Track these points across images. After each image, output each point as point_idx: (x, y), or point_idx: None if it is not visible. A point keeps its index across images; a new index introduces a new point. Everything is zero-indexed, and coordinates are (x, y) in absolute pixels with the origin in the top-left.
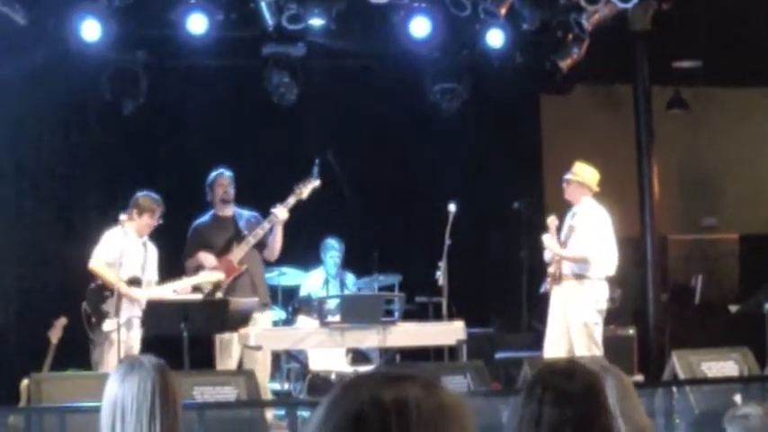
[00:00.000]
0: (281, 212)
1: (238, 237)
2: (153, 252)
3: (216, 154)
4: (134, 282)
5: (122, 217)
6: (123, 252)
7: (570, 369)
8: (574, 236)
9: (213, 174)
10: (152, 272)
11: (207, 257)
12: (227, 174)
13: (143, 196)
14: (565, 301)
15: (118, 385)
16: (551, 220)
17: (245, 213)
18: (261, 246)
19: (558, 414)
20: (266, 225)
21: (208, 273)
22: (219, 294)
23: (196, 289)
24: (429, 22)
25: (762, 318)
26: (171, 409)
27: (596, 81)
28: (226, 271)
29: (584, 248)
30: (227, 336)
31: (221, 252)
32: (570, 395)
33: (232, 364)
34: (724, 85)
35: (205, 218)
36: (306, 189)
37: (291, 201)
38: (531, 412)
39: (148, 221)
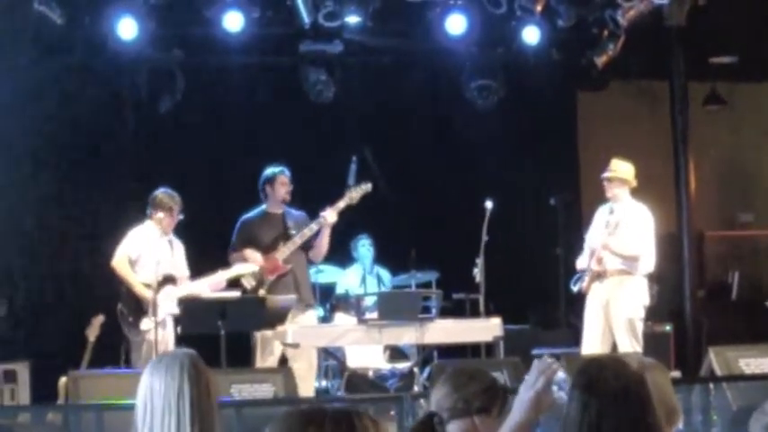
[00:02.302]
0: (330, 215)
1: (285, 235)
2: (179, 248)
3: (252, 152)
4: (168, 280)
5: (152, 214)
6: (149, 249)
7: (619, 368)
8: (622, 232)
9: (273, 170)
10: (182, 268)
11: (253, 255)
12: (288, 172)
13: (160, 193)
14: (607, 298)
15: (149, 378)
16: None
17: (294, 212)
18: (307, 247)
19: (617, 412)
20: (314, 227)
21: (242, 265)
22: (262, 291)
23: (236, 284)
24: (465, 19)
25: None
26: (204, 397)
27: (632, 77)
28: (271, 269)
29: (638, 246)
30: (268, 333)
31: (268, 249)
32: (626, 393)
33: (274, 361)
34: (761, 81)
35: (254, 213)
36: (357, 194)
37: (342, 204)
38: (591, 414)
39: (168, 219)
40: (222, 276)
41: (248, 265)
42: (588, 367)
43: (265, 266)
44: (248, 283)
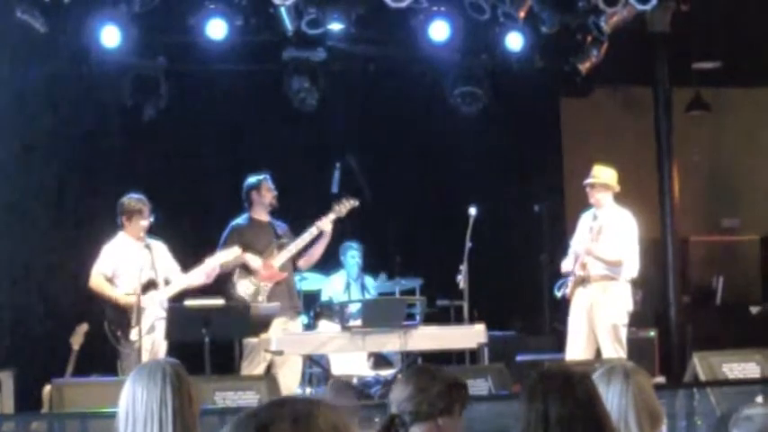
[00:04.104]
0: (326, 225)
1: (278, 243)
2: (160, 249)
3: (236, 159)
4: (151, 285)
5: (123, 222)
6: (126, 261)
7: (566, 370)
8: (605, 237)
9: (258, 177)
10: (168, 267)
11: (253, 258)
12: (270, 179)
13: (127, 200)
14: (591, 303)
15: (131, 387)
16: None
17: (279, 223)
18: (298, 255)
19: (564, 411)
20: (307, 236)
21: (225, 251)
22: (261, 299)
23: (229, 296)
24: (448, 25)
25: None
26: (186, 406)
27: (616, 83)
28: (268, 276)
29: (620, 251)
30: (255, 341)
31: (261, 256)
32: (572, 394)
33: (264, 368)
34: (744, 86)
35: (242, 220)
36: (344, 208)
37: (332, 217)
38: (537, 412)
39: (140, 223)
40: (213, 262)
41: (231, 250)
42: (534, 372)
43: (263, 273)
44: (245, 292)
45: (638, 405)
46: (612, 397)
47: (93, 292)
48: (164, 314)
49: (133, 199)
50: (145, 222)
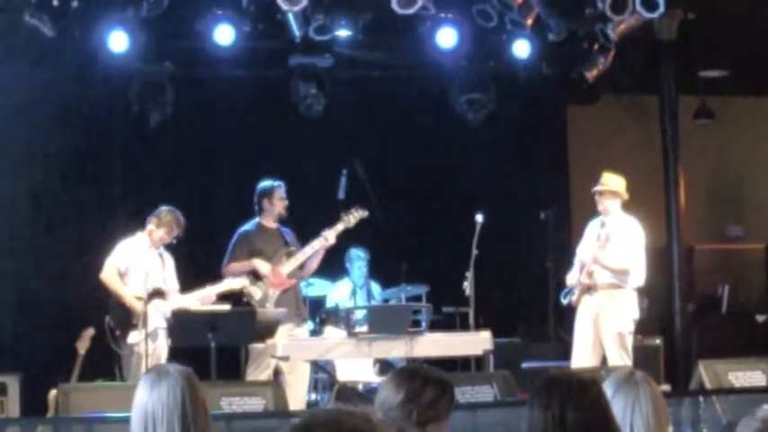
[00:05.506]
0: (331, 237)
1: (286, 250)
2: (170, 262)
3: (242, 165)
4: (157, 293)
5: (149, 227)
6: (139, 261)
7: (577, 375)
8: (612, 245)
9: (271, 184)
10: (172, 281)
11: (263, 264)
12: (283, 186)
13: (168, 210)
14: (597, 311)
15: (147, 395)
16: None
17: (286, 229)
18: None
19: (580, 415)
20: (315, 245)
21: (232, 280)
22: (269, 305)
23: (241, 297)
24: (455, 32)
25: None
26: (201, 414)
27: (623, 91)
28: (277, 283)
29: (627, 259)
30: (261, 346)
31: (269, 263)
32: (587, 398)
33: (270, 374)
34: (750, 95)
35: (250, 226)
36: (354, 218)
37: (340, 227)
38: (554, 417)
39: (164, 236)
40: (212, 291)
41: (239, 279)
42: (542, 378)
43: (272, 280)
44: (256, 296)
45: (656, 413)
46: (640, 403)
47: (103, 284)
48: (164, 324)
49: (173, 214)
50: (168, 239)
